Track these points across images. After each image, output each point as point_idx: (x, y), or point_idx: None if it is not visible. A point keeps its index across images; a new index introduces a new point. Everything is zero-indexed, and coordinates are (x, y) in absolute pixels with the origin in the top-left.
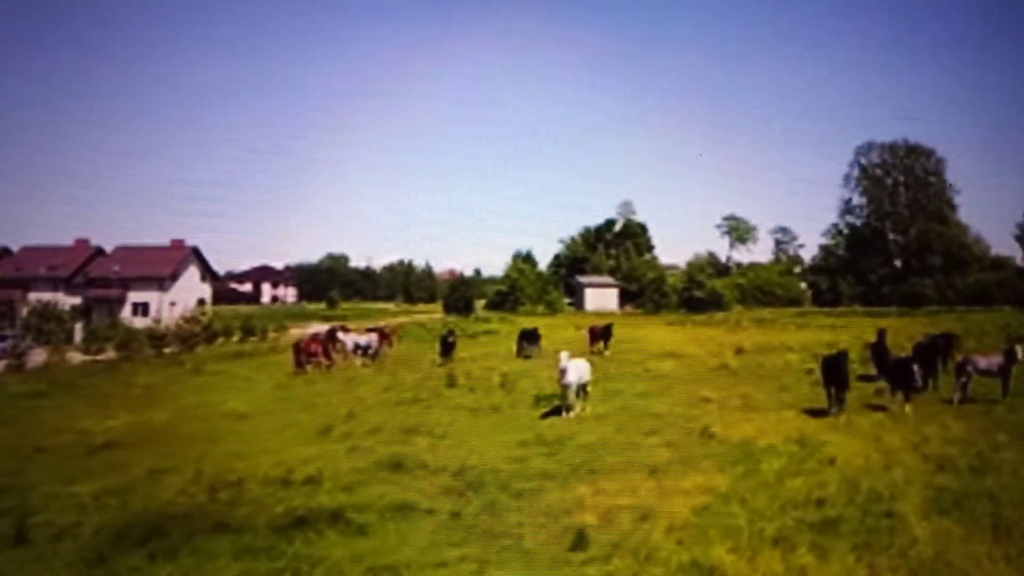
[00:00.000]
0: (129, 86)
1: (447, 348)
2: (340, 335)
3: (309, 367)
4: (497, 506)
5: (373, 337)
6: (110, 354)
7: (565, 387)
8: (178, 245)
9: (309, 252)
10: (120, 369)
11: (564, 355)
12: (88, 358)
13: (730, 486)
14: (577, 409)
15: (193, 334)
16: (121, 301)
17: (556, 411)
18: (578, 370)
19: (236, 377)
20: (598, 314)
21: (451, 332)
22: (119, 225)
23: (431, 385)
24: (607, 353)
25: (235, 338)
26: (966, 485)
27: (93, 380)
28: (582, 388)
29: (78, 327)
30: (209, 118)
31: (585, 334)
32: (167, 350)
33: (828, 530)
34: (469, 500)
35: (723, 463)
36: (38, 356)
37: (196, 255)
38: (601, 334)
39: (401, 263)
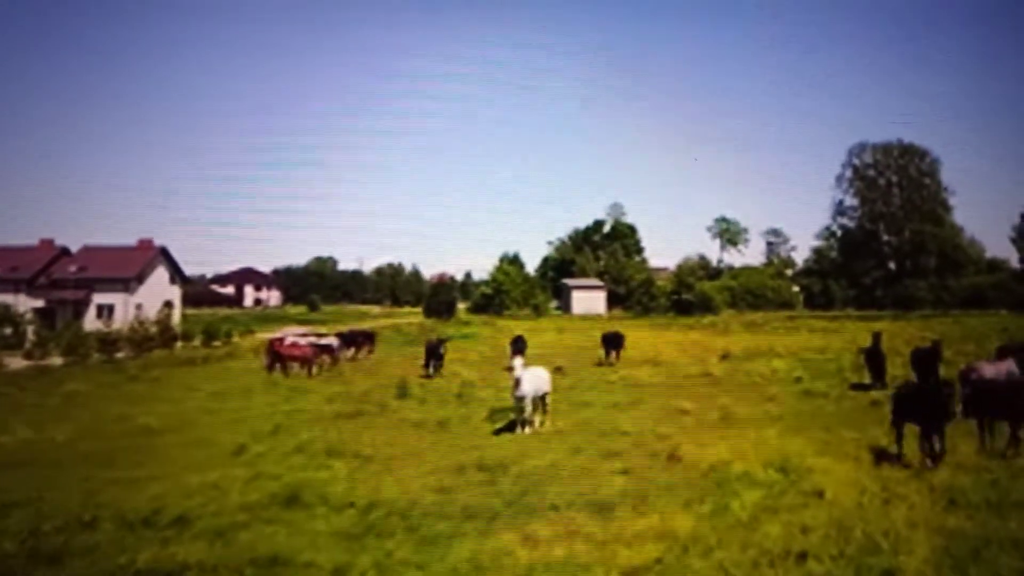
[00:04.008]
0: (116, 88)
1: (436, 358)
2: (302, 339)
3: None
4: (394, 559)
5: (333, 340)
6: (55, 359)
7: (520, 399)
8: (146, 245)
9: (298, 255)
10: (53, 376)
11: (518, 362)
12: (30, 363)
13: (692, 529)
14: (535, 424)
15: (147, 338)
16: (85, 303)
17: (511, 426)
18: (535, 380)
19: (174, 385)
20: (584, 318)
21: (441, 341)
22: (105, 227)
23: (380, 395)
24: (616, 363)
25: (196, 342)
26: (984, 528)
27: (14, 388)
28: (540, 400)
29: (30, 330)
30: (197, 122)
31: (600, 344)
32: (120, 355)
33: None
34: (363, 549)
35: (688, 497)
36: None
37: (164, 255)
38: (611, 341)
39: (390, 266)
